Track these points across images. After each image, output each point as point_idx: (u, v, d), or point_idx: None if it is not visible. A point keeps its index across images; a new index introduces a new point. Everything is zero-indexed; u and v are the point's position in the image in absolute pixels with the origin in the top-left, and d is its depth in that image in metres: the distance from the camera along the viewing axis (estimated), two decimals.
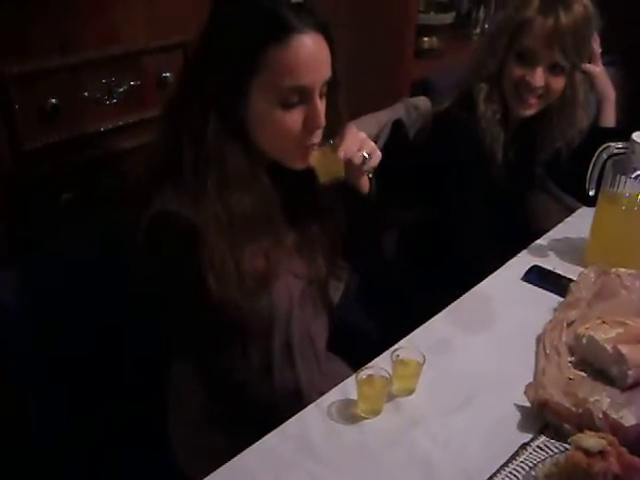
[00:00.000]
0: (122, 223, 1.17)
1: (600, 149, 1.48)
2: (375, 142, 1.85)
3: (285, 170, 1.21)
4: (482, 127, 1.68)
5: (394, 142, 1.88)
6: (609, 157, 1.47)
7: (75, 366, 1.25)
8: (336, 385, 1.23)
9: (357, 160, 1.20)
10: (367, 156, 1.21)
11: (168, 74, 1.57)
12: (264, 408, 1.27)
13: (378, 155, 1.25)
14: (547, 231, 1.76)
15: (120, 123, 1.55)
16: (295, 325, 1.30)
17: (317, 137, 1.17)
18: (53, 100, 1.44)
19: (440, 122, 1.75)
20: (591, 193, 1.52)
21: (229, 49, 1.10)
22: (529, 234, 1.76)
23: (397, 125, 1.92)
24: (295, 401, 1.28)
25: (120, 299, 1.25)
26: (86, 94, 1.49)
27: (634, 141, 1.44)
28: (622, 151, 1.47)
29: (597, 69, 1.72)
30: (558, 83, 1.66)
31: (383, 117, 1.93)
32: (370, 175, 1.29)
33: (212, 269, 1.11)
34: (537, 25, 1.60)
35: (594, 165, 1.49)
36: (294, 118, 1.13)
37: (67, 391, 1.26)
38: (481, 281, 1.52)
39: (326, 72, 1.15)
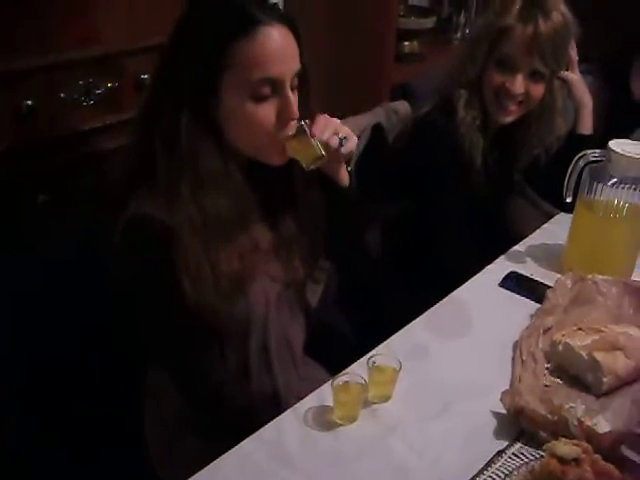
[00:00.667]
0: (99, 225, 1.17)
1: (577, 157, 1.48)
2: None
3: (261, 169, 1.21)
4: (461, 133, 1.69)
5: (373, 146, 1.89)
6: (586, 164, 1.48)
7: (51, 367, 1.24)
8: (314, 390, 1.22)
9: (333, 142, 1.19)
10: (343, 138, 1.20)
11: (147, 76, 1.56)
12: (241, 412, 1.27)
13: (355, 139, 1.24)
14: (525, 237, 1.77)
15: (97, 125, 1.54)
16: (272, 328, 1.29)
17: (291, 130, 1.16)
18: (29, 101, 1.43)
19: (419, 127, 1.76)
20: (568, 200, 1.52)
21: (198, 46, 1.11)
22: (507, 240, 1.77)
23: (376, 129, 1.93)
24: (272, 405, 1.28)
25: (97, 301, 1.24)
26: (63, 95, 1.48)
27: (611, 149, 1.45)
28: (599, 159, 1.48)
29: (574, 76, 1.74)
30: (538, 90, 1.68)
31: (363, 121, 1.93)
32: (349, 168, 1.29)
33: (187, 272, 1.11)
34: (517, 32, 1.61)
35: (571, 172, 1.49)
36: (266, 112, 1.13)
37: (43, 392, 1.25)
38: (459, 286, 1.53)
39: (294, 64, 1.15)
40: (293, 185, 1.23)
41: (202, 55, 1.11)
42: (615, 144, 1.45)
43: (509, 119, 1.71)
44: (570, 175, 1.50)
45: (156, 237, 1.10)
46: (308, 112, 1.21)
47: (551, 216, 1.90)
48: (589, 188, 1.49)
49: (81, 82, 1.49)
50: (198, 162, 1.12)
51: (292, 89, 1.15)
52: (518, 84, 1.64)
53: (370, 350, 1.29)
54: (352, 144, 1.23)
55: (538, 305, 1.45)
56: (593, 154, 1.47)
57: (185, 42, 1.12)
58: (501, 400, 1.18)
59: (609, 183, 1.45)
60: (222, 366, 1.27)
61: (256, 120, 1.13)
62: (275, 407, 1.24)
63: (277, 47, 1.11)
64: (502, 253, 1.67)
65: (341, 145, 1.20)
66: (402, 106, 2.04)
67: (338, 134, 1.20)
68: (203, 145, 1.12)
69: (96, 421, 1.30)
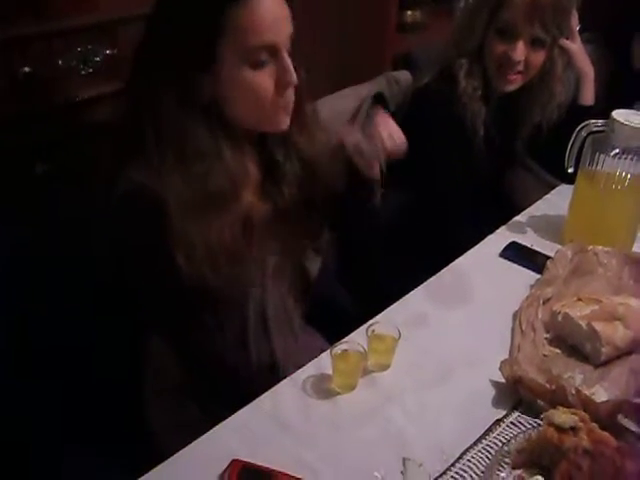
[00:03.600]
0: (90, 198, 1.16)
1: (579, 127, 1.47)
2: (355, 115, 1.86)
3: (261, 140, 1.20)
4: (463, 103, 1.67)
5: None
6: (588, 135, 1.47)
7: (48, 338, 1.24)
8: (313, 359, 1.22)
9: (389, 143, 1.24)
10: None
11: None
12: (240, 381, 1.27)
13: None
14: (527, 207, 1.76)
15: (96, 92, 1.52)
16: (269, 299, 1.29)
17: (290, 96, 1.16)
18: (26, 68, 1.41)
19: (420, 97, 1.74)
20: (570, 171, 1.52)
21: (188, 17, 1.08)
22: (509, 210, 1.76)
23: (378, 98, 1.91)
24: (271, 374, 1.29)
25: (93, 271, 1.24)
26: (60, 62, 1.46)
27: (614, 119, 1.43)
28: (601, 129, 1.46)
29: (575, 46, 1.72)
30: (538, 57, 1.66)
31: (364, 90, 1.91)
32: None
33: (180, 245, 1.10)
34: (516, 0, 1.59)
35: (573, 143, 1.48)
36: (265, 78, 1.12)
37: (41, 366, 1.25)
38: (460, 255, 1.53)
39: (288, 27, 1.14)
40: (295, 155, 1.23)
41: (193, 26, 1.08)
42: (618, 114, 1.44)
43: (511, 88, 1.69)
44: (572, 145, 1.49)
45: (149, 208, 1.09)
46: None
47: (553, 187, 1.89)
48: (591, 159, 1.48)
49: (79, 49, 1.47)
50: (184, 136, 1.10)
51: (289, 54, 1.14)
52: (519, 52, 1.62)
53: (369, 320, 1.29)
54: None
55: (538, 275, 1.45)
56: (595, 124, 1.46)
57: (175, 14, 1.09)
58: (500, 369, 1.19)
59: (611, 154, 1.44)
60: (220, 335, 1.27)
61: (255, 88, 1.12)
62: (274, 376, 1.24)
63: (270, 11, 1.10)
64: (503, 223, 1.67)
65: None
66: (404, 76, 2.01)
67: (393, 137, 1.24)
68: (192, 119, 1.11)
69: (95, 394, 1.30)
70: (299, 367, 1.21)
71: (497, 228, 1.65)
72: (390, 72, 2.05)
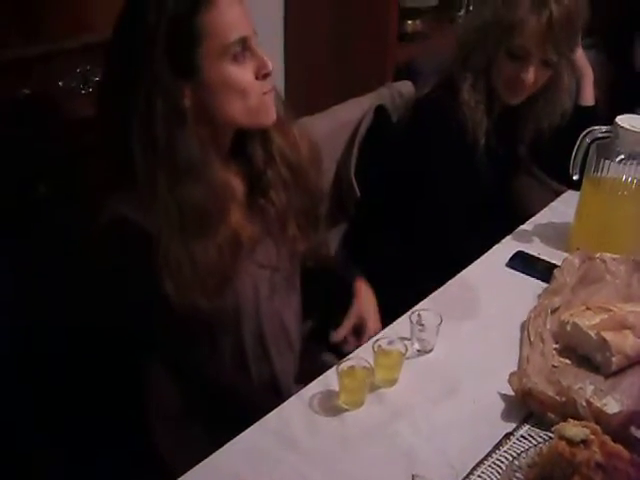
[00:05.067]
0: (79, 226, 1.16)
1: (584, 133, 1.46)
2: (357, 127, 1.86)
3: (242, 150, 1.21)
4: (464, 113, 1.66)
5: (377, 127, 1.87)
6: (593, 141, 1.46)
7: (50, 362, 1.24)
8: (313, 372, 1.21)
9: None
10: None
11: None
12: (242, 401, 1.26)
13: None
14: (533, 215, 1.75)
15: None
16: (265, 315, 1.29)
17: (271, 85, 1.19)
18: (26, 90, 1.41)
19: (421, 107, 1.74)
20: (575, 177, 1.50)
21: (162, 30, 1.08)
22: (515, 218, 1.75)
23: (380, 111, 1.90)
24: (272, 391, 1.28)
25: (87, 295, 1.23)
26: (61, 84, 1.46)
27: (618, 125, 1.42)
28: (606, 135, 1.45)
29: (577, 50, 1.71)
30: (546, 75, 1.65)
31: (366, 102, 1.91)
32: None
33: (168, 274, 1.10)
34: (530, 25, 1.56)
35: (577, 149, 1.47)
36: (246, 71, 1.15)
37: (42, 390, 1.24)
38: (465, 266, 1.51)
39: (251, 23, 1.17)
40: (274, 155, 1.24)
41: (172, 35, 1.08)
42: (622, 119, 1.43)
43: (518, 101, 1.69)
44: (577, 152, 1.47)
45: (134, 242, 1.10)
46: None
47: (559, 194, 1.88)
48: (596, 165, 1.47)
49: (79, 70, 1.47)
50: (174, 150, 1.10)
51: None
52: (531, 75, 1.61)
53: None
54: None
55: (545, 285, 1.43)
56: (600, 130, 1.45)
57: (149, 24, 1.08)
58: (509, 382, 1.17)
59: (616, 159, 1.43)
60: (217, 358, 1.26)
61: (242, 82, 1.14)
62: (275, 393, 1.23)
63: (238, 10, 1.13)
64: (510, 232, 1.65)
65: None
66: (406, 87, 2.01)
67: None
68: (180, 131, 1.11)
69: (99, 417, 1.30)
70: (301, 383, 1.20)
71: (504, 237, 1.64)
72: (392, 83, 2.05)
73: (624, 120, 1.42)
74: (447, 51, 1.76)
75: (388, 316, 1.37)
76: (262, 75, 1.16)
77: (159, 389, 1.33)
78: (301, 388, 1.19)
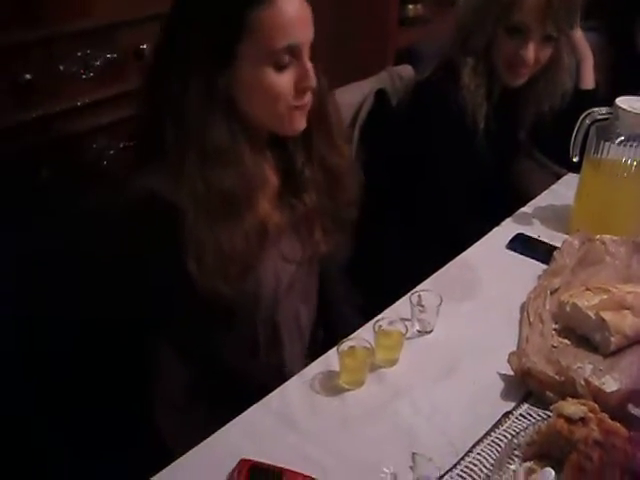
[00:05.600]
0: (103, 198, 1.16)
1: (583, 115, 1.46)
2: (358, 111, 1.86)
3: (280, 142, 1.20)
4: (463, 96, 1.65)
5: (377, 111, 1.87)
6: (592, 123, 1.46)
7: (56, 345, 1.25)
8: None
9: None
10: None
11: (145, 46, 1.54)
12: (248, 385, 1.27)
13: None
14: (533, 198, 1.75)
15: (97, 97, 1.52)
16: (282, 307, 1.29)
17: (307, 100, 1.15)
18: (27, 75, 1.41)
19: (421, 91, 1.74)
20: (575, 159, 1.50)
21: (214, 13, 1.07)
22: (516, 201, 1.75)
23: (380, 94, 1.90)
24: (279, 379, 1.28)
25: (100, 275, 1.24)
26: (61, 68, 1.46)
27: (618, 106, 1.42)
28: (606, 117, 1.45)
29: (576, 32, 1.71)
30: (547, 52, 1.65)
31: (367, 86, 1.91)
32: None
33: (191, 252, 1.09)
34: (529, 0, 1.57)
35: (577, 131, 1.47)
36: (286, 80, 1.11)
37: (47, 368, 1.25)
38: (466, 249, 1.52)
39: (311, 30, 1.13)
40: (314, 157, 1.22)
41: (219, 22, 1.07)
42: (622, 101, 1.43)
43: (519, 82, 1.68)
44: (576, 134, 1.48)
45: (161, 215, 1.08)
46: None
47: (559, 176, 1.88)
48: (596, 147, 1.47)
49: (79, 54, 1.47)
50: (205, 134, 1.09)
51: (308, 57, 1.12)
52: (531, 51, 1.60)
53: (376, 313, 1.29)
54: None
55: (545, 266, 1.44)
56: (599, 112, 1.45)
57: (199, 8, 1.08)
58: (508, 361, 1.18)
59: (616, 141, 1.43)
60: (229, 340, 1.26)
61: (276, 89, 1.11)
62: (282, 381, 1.23)
63: (296, 13, 1.08)
64: (510, 215, 1.66)
65: None
66: (406, 70, 2.01)
67: None
68: (211, 118, 1.09)
69: (102, 393, 1.31)
70: None
71: (504, 219, 1.64)
72: (393, 67, 2.05)
73: (624, 102, 1.42)
74: (449, 37, 1.76)
75: (389, 297, 1.38)
76: (301, 87, 1.13)
77: (165, 372, 1.33)
78: None
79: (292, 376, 1.20)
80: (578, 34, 1.74)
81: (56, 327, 1.25)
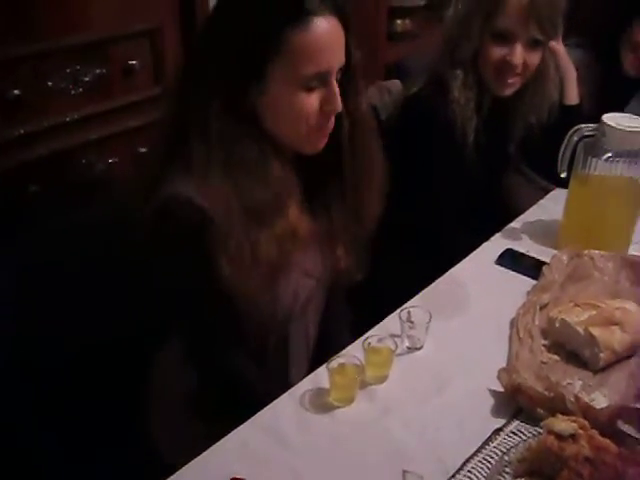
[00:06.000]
0: (126, 203, 1.15)
1: (571, 131, 1.47)
2: None
3: (308, 156, 1.20)
4: (454, 111, 1.66)
5: None
6: (580, 139, 1.47)
7: (54, 354, 1.24)
8: None
9: None
10: None
11: (135, 62, 1.54)
12: (253, 397, 1.26)
13: None
14: (521, 213, 1.76)
15: (86, 113, 1.52)
16: (294, 322, 1.29)
17: (331, 122, 1.15)
18: (16, 91, 1.41)
19: (410, 105, 1.74)
20: (563, 175, 1.51)
21: (244, 32, 1.07)
22: (504, 216, 1.76)
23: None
24: (283, 390, 1.28)
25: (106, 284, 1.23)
26: (50, 84, 1.46)
27: (605, 123, 1.43)
28: (593, 133, 1.46)
29: (560, 47, 1.72)
30: (535, 58, 1.65)
31: None
32: None
33: (226, 256, 1.09)
34: (512, 3, 1.58)
35: (565, 147, 1.48)
36: (313, 101, 1.12)
37: (44, 377, 1.25)
38: (455, 262, 1.52)
39: (341, 57, 1.12)
40: (343, 174, 1.22)
41: (247, 41, 1.07)
42: (609, 118, 1.44)
43: (509, 91, 1.68)
44: (564, 150, 1.48)
45: (193, 220, 1.08)
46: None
47: (547, 191, 1.89)
48: (584, 163, 1.48)
49: (68, 70, 1.46)
50: (234, 147, 1.09)
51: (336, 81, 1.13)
52: (518, 55, 1.60)
53: (365, 329, 1.29)
54: None
55: (534, 282, 1.44)
56: (587, 128, 1.46)
57: (228, 26, 1.09)
58: (498, 378, 1.18)
59: (604, 157, 1.44)
60: (239, 349, 1.26)
61: (302, 110, 1.11)
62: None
63: (329, 40, 1.08)
64: (500, 229, 1.66)
65: None
66: (395, 85, 2.01)
67: None
68: (239, 131, 1.10)
69: (99, 404, 1.30)
70: None
71: (493, 234, 1.65)
72: (381, 82, 2.05)
73: (610, 118, 1.44)
74: (438, 51, 1.77)
75: (377, 313, 1.37)
76: (327, 110, 1.13)
77: (165, 381, 1.33)
78: None
79: None
80: (562, 50, 1.75)
81: (57, 342, 1.24)
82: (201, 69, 1.11)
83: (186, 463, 1.04)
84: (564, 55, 1.75)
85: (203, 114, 1.08)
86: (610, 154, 1.43)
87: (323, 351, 1.34)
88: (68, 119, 1.49)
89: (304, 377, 1.24)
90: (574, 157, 1.50)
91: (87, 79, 1.49)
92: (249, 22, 1.07)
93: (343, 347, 1.42)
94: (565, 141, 1.48)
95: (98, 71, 1.51)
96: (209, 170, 1.09)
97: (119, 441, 1.33)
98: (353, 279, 1.35)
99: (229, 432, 1.10)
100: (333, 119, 1.16)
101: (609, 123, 1.43)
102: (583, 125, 1.47)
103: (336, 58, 1.11)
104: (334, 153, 1.21)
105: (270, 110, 1.13)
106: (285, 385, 1.29)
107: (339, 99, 1.13)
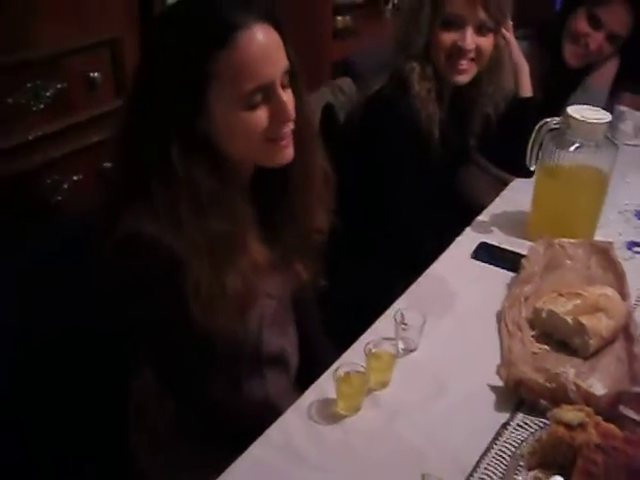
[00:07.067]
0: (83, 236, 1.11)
1: (539, 125, 1.51)
2: None
3: (258, 182, 1.18)
4: (417, 107, 1.67)
5: (326, 127, 1.86)
6: (546, 132, 1.51)
7: (34, 375, 1.19)
8: None
9: None
10: None
11: (96, 74, 1.48)
12: (231, 419, 1.24)
13: None
14: (481, 204, 1.79)
15: (50, 130, 1.44)
16: (265, 345, 1.28)
17: (287, 130, 1.12)
18: None
19: (373, 105, 1.74)
20: (532, 168, 1.56)
21: (175, 66, 1.03)
22: (464, 209, 1.79)
23: (327, 109, 1.90)
24: (263, 412, 1.26)
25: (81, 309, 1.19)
26: (10, 101, 1.38)
27: (569, 115, 1.48)
28: (558, 126, 1.51)
29: (513, 39, 1.77)
30: (487, 43, 1.67)
31: (311, 102, 1.90)
32: None
33: (197, 297, 1.06)
34: None
35: (534, 141, 1.52)
36: (260, 117, 1.08)
37: (25, 406, 1.19)
38: (425, 261, 1.53)
39: (282, 63, 1.08)
40: (291, 192, 1.20)
41: (183, 71, 1.03)
42: (573, 110, 1.49)
43: (465, 78, 1.69)
44: (533, 144, 1.52)
45: (163, 261, 1.05)
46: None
47: (502, 181, 1.94)
48: (550, 154, 1.52)
49: (29, 85, 1.39)
50: (196, 185, 1.05)
51: (283, 87, 1.09)
52: (469, 39, 1.63)
53: (350, 337, 1.29)
54: None
55: (512, 274, 1.48)
56: (553, 122, 1.50)
57: (164, 59, 1.04)
58: (497, 373, 1.21)
59: (570, 149, 1.49)
60: (213, 375, 1.24)
61: (251, 127, 1.08)
62: (267, 413, 1.22)
63: (262, 51, 1.04)
64: (462, 221, 1.69)
65: None
66: (346, 83, 2.02)
67: None
68: (198, 167, 1.06)
69: (83, 427, 1.26)
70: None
71: (456, 226, 1.67)
72: (332, 81, 2.05)
73: (575, 111, 1.48)
74: (380, 45, 1.77)
75: (365, 316, 1.37)
76: (279, 121, 1.09)
77: (145, 412, 1.30)
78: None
79: (280, 410, 1.18)
80: (514, 40, 1.79)
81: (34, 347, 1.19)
82: (146, 106, 1.06)
83: None
84: (516, 48, 1.80)
85: (160, 151, 1.04)
86: (576, 145, 1.48)
87: (310, 367, 1.34)
88: (31, 137, 1.42)
89: (289, 397, 1.23)
90: (539, 149, 1.54)
91: (48, 94, 1.41)
92: (177, 55, 1.03)
93: (324, 347, 1.43)
94: (534, 135, 1.52)
95: (59, 85, 1.44)
96: (177, 210, 1.05)
97: (106, 466, 1.30)
98: (317, 286, 1.34)
99: (222, 454, 1.07)
100: (291, 124, 1.12)
101: (574, 115, 1.47)
102: (549, 119, 1.51)
103: (276, 65, 1.07)
104: (281, 171, 1.18)
105: (223, 135, 1.09)
106: (267, 408, 1.28)
107: (288, 107, 1.09)
